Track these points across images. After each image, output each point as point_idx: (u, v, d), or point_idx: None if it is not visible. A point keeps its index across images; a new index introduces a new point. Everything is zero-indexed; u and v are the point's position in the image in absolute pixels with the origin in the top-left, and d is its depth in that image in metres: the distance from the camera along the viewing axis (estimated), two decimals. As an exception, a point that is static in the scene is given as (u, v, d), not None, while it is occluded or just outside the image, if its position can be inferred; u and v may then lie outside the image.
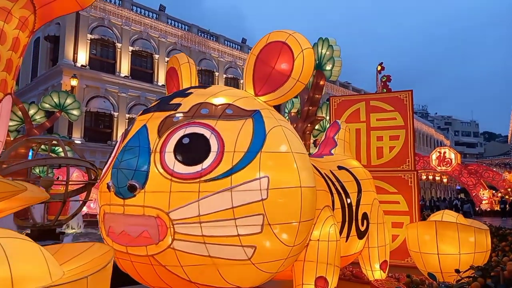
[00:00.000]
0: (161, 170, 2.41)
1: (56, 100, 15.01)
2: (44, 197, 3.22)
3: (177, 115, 2.60)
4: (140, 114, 2.83)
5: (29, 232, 8.78)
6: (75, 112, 15.51)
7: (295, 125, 11.86)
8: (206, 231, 2.36)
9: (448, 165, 28.54)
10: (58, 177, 11.23)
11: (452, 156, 28.71)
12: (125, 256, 2.59)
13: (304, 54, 2.85)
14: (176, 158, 2.42)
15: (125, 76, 27.86)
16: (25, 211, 9.92)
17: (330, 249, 3.24)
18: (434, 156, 29.32)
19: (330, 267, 3.21)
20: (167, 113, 2.63)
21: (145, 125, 2.62)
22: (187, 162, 2.41)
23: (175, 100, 2.75)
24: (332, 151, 4.63)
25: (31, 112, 14.86)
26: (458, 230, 3.95)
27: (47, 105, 15.05)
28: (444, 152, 29.46)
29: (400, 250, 5.48)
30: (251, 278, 2.63)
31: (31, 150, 12.22)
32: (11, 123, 14.37)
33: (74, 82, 21.17)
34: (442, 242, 3.97)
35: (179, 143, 2.45)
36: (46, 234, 8.34)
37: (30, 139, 8.82)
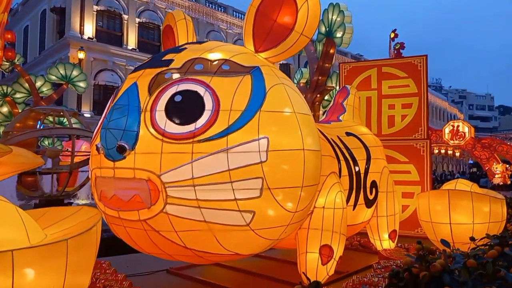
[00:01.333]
0: (152, 130, 2.24)
1: (62, 72, 14.86)
2: (39, 162, 3.08)
3: (169, 71, 2.39)
4: (131, 72, 2.63)
5: (37, 202, 8.84)
6: (81, 84, 15.37)
7: (304, 96, 11.59)
8: (201, 194, 2.19)
9: (461, 139, 27.94)
10: (68, 149, 11.23)
11: (466, 130, 28.04)
12: (117, 222, 2.46)
13: (308, 4, 2.59)
14: (167, 117, 2.23)
15: (132, 49, 27.50)
16: (35, 182, 9.98)
17: (336, 217, 3.08)
18: (447, 129, 28.69)
19: (336, 235, 3.06)
20: (159, 70, 2.43)
21: (135, 83, 2.43)
22: (179, 121, 2.22)
23: (168, 56, 2.54)
24: (341, 118, 4.40)
25: (38, 84, 14.77)
26: (473, 199, 3.75)
27: (53, 77, 14.93)
28: (458, 126, 28.78)
29: (410, 220, 5.32)
30: (250, 245, 2.49)
31: (39, 122, 12.20)
32: (18, 95, 14.34)
33: (81, 55, 20.94)
34: (455, 212, 3.77)
35: (170, 101, 2.26)
36: (53, 204, 8.38)
37: (34, 109, 8.75)
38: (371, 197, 3.85)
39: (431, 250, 1.85)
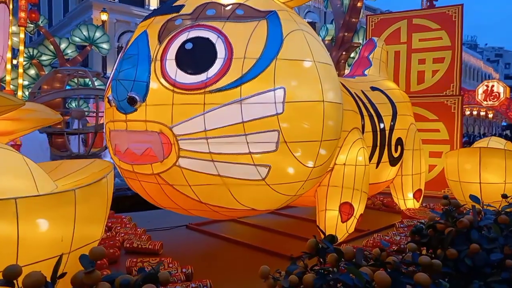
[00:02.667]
0: (162, 80, 2.14)
1: (85, 33, 14.85)
2: (57, 118, 3.08)
3: (180, 17, 2.25)
4: (142, 20, 2.50)
5: (67, 161, 9.10)
6: (104, 45, 15.37)
7: (329, 54, 11.14)
8: (214, 148, 2.11)
9: (496, 99, 26.65)
10: (93, 110, 11.42)
11: (501, 89, 26.62)
12: (132, 175, 2.43)
13: None
14: (178, 66, 2.12)
15: (155, 10, 27.10)
16: (64, 142, 10.27)
17: (357, 174, 2.96)
18: (480, 90, 27.35)
19: (357, 193, 2.95)
20: (169, 16, 2.29)
21: (145, 31, 2.30)
22: (190, 70, 2.11)
23: (179, 1, 2.39)
24: (366, 72, 4.17)
25: (63, 46, 14.87)
26: (506, 157, 3.52)
27: (77, 39, 14.97)
28: (492, 86, 27.34)
29: (437, 180, 5.13)
30: (267, 200, 2.42)
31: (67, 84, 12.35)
32: (44, 58, 14.51)
33: (104, 17, 20.79)
34: (485, 170, 3.57)
35: (181, 49, 2.14)
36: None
37: (58, 70, 8.82)
38: (396, 155, 3.68)
39: (458, 205, 1.71)
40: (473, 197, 1.78)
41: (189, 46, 2.13)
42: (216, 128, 2.08)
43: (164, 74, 2.13)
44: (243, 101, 2.08)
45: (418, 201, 3.98)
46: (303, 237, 3.09)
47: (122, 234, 2.98)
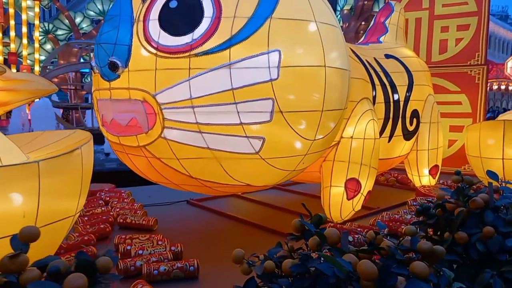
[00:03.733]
0: (145, 43, 1.94)
1: (99, 7, 14.67)
2: (53, 89, 2.96)
3: (164, -28, 2.02)
4: (127, -21, 2.29)
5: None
6: (119, 19, 15.16)
7: (347, 24, 10.62)
8: (201, 118, 1.92)
9: (526, 73, 25.38)
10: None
11: (532, 62, 25.32)
12: (120, 148, 2.28)
13: None
14: (161, 27, 1.92)
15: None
16: (79, 117, 10.32)
17: (366, 148, 2.73)
18: (510, 63, 26.06)
19: (365, 168, 2.73)
20: (153, -29, 2.06)
21: (128, -11, 2.09)
22: (174, 31, 1.90)
23: (165, -44, 2.15)
24: (381, 39, 3.85)
25: (78, 20, 14.77)
26: (533, 131, 3.21)
27: (91, 13, 14.82)
28: (523, 59, 26.04)
29: (457, 156, 4.82)
30: (263, 175, 2.23)
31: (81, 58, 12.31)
32: (59, 32, 14.47)
33: (119, -11, 20.54)
34: (509, 146, 3.27)
35: (165, 8, 1.93)
36: (94, 138, 8.65)
37: (70, 43, 8.73)
38: (411, 128, 3.42)
39: (472, 182, 1.48)
40: (490, 173, 1.55)
41: (173, 4, 1.92)
42: (203, 96, 1.89)
43: (147, 36, 1.94)
44: (232, 66, 1.87)
45: (434, 178, 3.73)
46: (308, 216, 2.91)
47: (118, 209, 2.87)
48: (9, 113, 9.32)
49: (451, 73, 4.99)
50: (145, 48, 1.93)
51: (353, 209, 2.73)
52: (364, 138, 2.72)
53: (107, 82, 2.10)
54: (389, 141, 3.20)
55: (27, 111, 9.12)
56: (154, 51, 1.91)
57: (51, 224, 1.53)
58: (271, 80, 1.92)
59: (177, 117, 1.93)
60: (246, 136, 1.98)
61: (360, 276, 0.88)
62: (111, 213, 2.76)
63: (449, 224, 1.40)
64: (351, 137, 2.71)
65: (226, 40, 1.86)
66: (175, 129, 1.96)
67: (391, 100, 3.15)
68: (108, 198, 3.20)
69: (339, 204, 2.69)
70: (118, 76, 2.02)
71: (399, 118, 3.24)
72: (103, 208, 2.91)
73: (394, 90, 3.20)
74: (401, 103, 3.27)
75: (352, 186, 2.69)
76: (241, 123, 1.94)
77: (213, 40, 1.86)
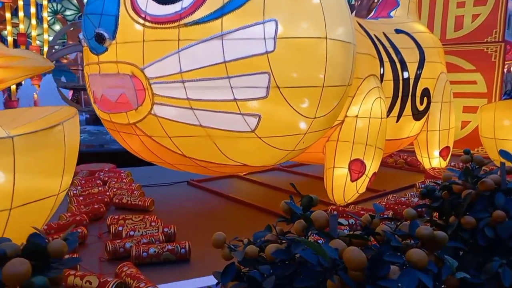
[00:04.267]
0: (132, 13, 1.82)
1: (107, -14, 14.44)
2: (48, 66, 2.87)
3: None
4: None
5: (88, 116, 9.13)
6: None
7: (359, 2, 10.27)
8: (192, 93, 1.81)
9: (547, 53, 24.46)
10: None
11: (554, 42, 24.36)
12: (111, 126, 2.19)
13: None
14: (149, -6, 1.78)
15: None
16: (88, 100, 10.26)
17: (372, 128, 2.59)
18: (530, 43, 25.14)
19: (370, 149, 2.60)
20: None
21: (115, -45, 1.95)
22: (162, -1, 1.77)
23: None
24: (392, 13, 3.65)
25: (86, 0, 14.60)
26: (552, 111, 3.03)
27: (99, -8, 14.60)
28: (545, 38, 25.07)
29: (470, 138, 4.63)
30: (260, 155, 2.12)
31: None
32: (68, 12, 14.37)
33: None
34: (526, 126, 3.10)
35: (153, -26, 1.79)
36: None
37: (76, 23, 8.62)
38: (421, 107, 3.25)
39: (482, 162, 1.35)
40: (503, 153, 1.40)
41: (161, -30, 1.78)
42: (193, 70, 1.77)
43: (134, 6, 1.81)
44: (224, 36, 1.74)
45: (445, 160, 3.57)
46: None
47: (115, 189, 2.80)
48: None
49: (467, 50, 4.76)
50: (132, 18, 1.81)
51: (357, 191, 2.61)
52: (370, 117, 2.58)
53: (95, 56, 2.00)
54: (397, 121, 3.05)
55: (36, 90, 9.12)
56: (141, 21, 1.79)
57: (30, 203, 1.46)
58: (266, 52, 1.78)
59: (167, 93, 1.82)
60: (240, 114, 1.86)
61: (347, 264, 0.77)
62: (108, 193, 2.69)
63: (455, 208, 1.27)
64: (356, 116, 2.57)
65: (218, 9, 1.73)
66: (165, 106, 1.85)
67: (401, 77, 2.98)
68: (106, 178, 3.14)
69: (342, 186, 2.58)
70: (106, 49, 1.91)
71: (408, 97, 3.07)
72: (100, 188, 2.85)
73: (404, 67, 3.03)
74: (411, 81, 3.09)
75: (356, 168, 2.57)
76: (234, 99, 1.82)
77: (204, 9, 1.73)
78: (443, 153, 3.52)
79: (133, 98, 1.90)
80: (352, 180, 2.57)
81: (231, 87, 1.79)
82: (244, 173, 3.50)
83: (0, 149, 1.33)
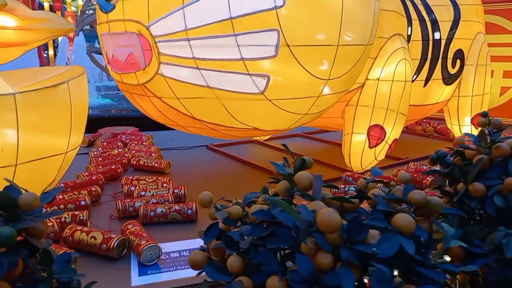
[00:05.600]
0: (137, -33, 1.75)
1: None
2: (70, 28, 2.89)
3: None
4: None
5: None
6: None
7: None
8: (198, 52, 1.75)
9: None
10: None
11: None
12: (123, 87, 2.19)
13: None
14: None
15: None
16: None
17: (394, 92, 2.45)
18: None
19: (391, 114, 2.47)
20: None
21: None
22: (166, -49, 1.68)
23: None
24: (427, -32, 3.35)
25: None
26: None
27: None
28: None
29: (509, 106, 4.33)
30: (271, 119, 2.06)
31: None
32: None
33: None
34: None
35: None
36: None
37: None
38: (453, 71, 3.03)
39: (501, 126, 1.23)
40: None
41: None
42: (199, 27, 1.70)
43: (139, -41, 1.74)
44: (230, -9, 1.65)
45: (477, 128, 3.34)
46: (331, 165, 2.73)
47: (134, 152, 2.85)
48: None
49: (510, 9, 4.35)
50: (137, -27, 1.75)
51: (376, 159, 2.51)
52: (392, 80, 2.43)
53: (105, 15, 1.97)
54: (425, 85, 2.87)
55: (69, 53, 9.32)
56: (146, -25, 1.72)
57: (37, 160, 1.49)
58: (275, 7, 1.68)
59: (173, 51, 1.77)
60: (248, 74, 1.79)
61: (319, 227, 0.72)
62: (126, 155, 2.74)
63: (465, 174, 1.18)
64: (378, 79, 2.43)
65: (224, -39, 1.63)
66: (172, 65, 1.81)
67: (431, 38, 2.77)
68: (128, 141, 3.20)
69: (360, 153, 2.48)
70: (114, 7, 1.88)
71: (438, 59, 2.86)
72: (120, 150, 2.90)
73: (435, 26, 2.81)
74: (443, 42, 2.87)
75: (376, 134, 2.46)
76: (242, 59, 1.75)
77: (209, -39, 1.64)
78: (475, 120, 3.30)
79: (140, 57, 1.87)
80: (370, 147, 2.46)
81: (238, 45, 1.72)
82: (264, 138, 3.47)
83: (3, 105, 1.35)
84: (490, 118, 1.27)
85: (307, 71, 1.85)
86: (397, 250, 0.72)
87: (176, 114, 2.05)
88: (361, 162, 2.49)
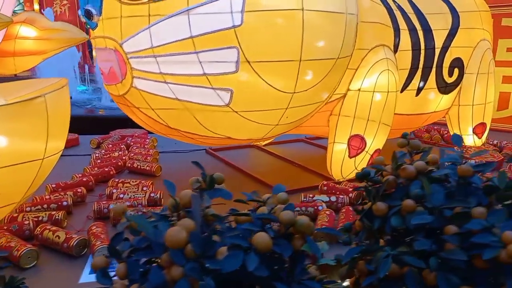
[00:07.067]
0: (111, -10, 1.91)
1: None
2: (82, 38, 3.12)
3: None
4: None
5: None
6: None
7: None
8: (164, 67, 1.88)
9: None
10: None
11: None
12: (113, 97, 2.36)
13: None
14: (124, -29, 1.85)
15: None
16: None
17: (375, 102, 2.46)
18: None
19: (372, 125, 2.48)
20: None
21: None
22: (135, -25, 1.83)
23: None
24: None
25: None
26: None
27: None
28: None
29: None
30: (242, 129, 2.15)
31: None
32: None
33: None
34: None
35: (128, -50, 1.85)
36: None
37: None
38: (450, 80, 2.96)
39: (419, 147, 1.25)
40: (455, 137, 1.29)
41: None
42: (164, 45, 1.83)
43: (113, -18, 1.90)
44: (190, 11, 1.76)
45: (480, 138, 3.25)
46: (316, 172, 2.78)
47: (132, 154, 3.03)
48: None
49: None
50: (112, -5, 1.90)
51: (356, 168, 2.53)
52: (374, 91, 2.44)
53: (92, 31, 2.15)
54: (417, 94, 2.83)
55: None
56: (118, -3, 1.88)
57: (13, 166, 1.68)
58: (233, 26, 1.77)
59: (142, 67, 1.91)
60: (212, 88, 1.90)
61: (167, 243, 0.81)
62: (124, 158, 2.93)
63: (376, 193, 1.22)
64: (359, 90, 2.45)
65: (184, -16, 1.74)
66: (143, 79, 1.95)
67: (422, 47, 2.73)
68: (132, 143, 3.40)
69: (340, 162, 2.51)
70: (97, 25, 2.05)
71: (432, 68, 2.82)
72: (120, 152, 3.10)
73: (428, 35, 2.76)
74: (437, 51, 2.82)
75: (356, 144, 2.48)
76: (204, 74, 1.86)
77: (171, -16, 1.76)
78: (477, 130, 3.20)
79: (118, 71, 2.03)
80: (350, 156, 2.49)
81: (200, 62, 1.83)
82: (264, 143, 3.55)
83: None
84: (410, 139, 1.29)
85: (270, 85, 1.93)
86: (240, 265, 0.81)
87: (154, 123, 2.20)
88: (341, 171, 2.52)
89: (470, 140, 3.25)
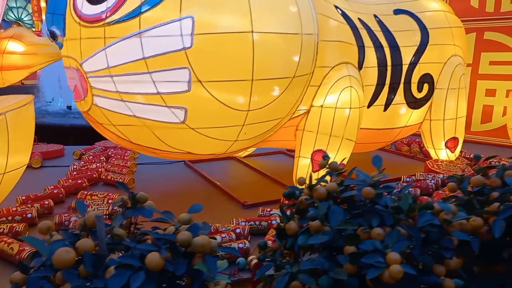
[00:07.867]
0: (73, 12, 2.01)
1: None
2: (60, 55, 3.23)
3: None
4: None
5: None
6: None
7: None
8: (120, 86, 1.96)
9: None
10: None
11: None
12: (83, 114, 2.45)
13: None
14: (83, -5, 1.95)
15: None
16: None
17: (338, 118, 2.51)
18: None
19: (335, 140, 2.53)
20: None
21: (68, -42, 2.15)
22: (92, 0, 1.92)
23: None
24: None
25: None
26: None
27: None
28: None
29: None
30: (201, 144, 2.22)
31: None
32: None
33: None
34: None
35: (87, -24, 1.95)
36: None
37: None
38: (419, 95, 3.00)
39: (337, 169, 1.32)
40: (375, 159, 1.35)
41: (93, -28, 1.92)
42: (119, 65, 1.91)
43: (74, 6, 2.00)
44: (142, 34, 1.84)
45: (453, 152, 3.27)
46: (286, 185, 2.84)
47: (109, 166, 3.11)
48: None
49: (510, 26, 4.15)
50: (72, 17, 2.00)
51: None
52: (335, 107, 2.49)
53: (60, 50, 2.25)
54: (385, 109, 2.88)
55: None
56: (78, 20, 1.97)
57: (-29, 180, 1.77)
58: (184, 48, 1.85)
59: (100, 86, 2.00)
60: (167, 106, 1.97)
61: (54, 264, 0.88)
62: (100, 170, 3.02)
63: (291, 213, 1.28)
64: (321, 106, 2.51)
65: (136, 8, 1.83)
66: (102, 97, 2.04)
67: (389, 63, 2.78)
68: (112, 155, 3.48)
69: (305, 176, 2.56)
70: (62, 45, 2.15)
71: (399, 84, 2.86)
72: (98, 164, 3.19)
73: (395, 52, 2.82)
74: (404, 67, 2.87)
75: (319, 158, 2.52)
76: (158, 93, 1.93)
77: (124, 8, 1.85)
78: (450, 144, 3.23)
79: (81, 89, 2.12)
80: (313, 171, 2.54)
81: (154, 81, 1.91)
82: (243, 155, 3.61)
83: None
84: (329, 160, 1.35)
85: (223, 103, 1.99)
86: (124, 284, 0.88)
87: (118, 138, 2.28)
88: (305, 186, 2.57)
89: (443, 154, 3.28)
